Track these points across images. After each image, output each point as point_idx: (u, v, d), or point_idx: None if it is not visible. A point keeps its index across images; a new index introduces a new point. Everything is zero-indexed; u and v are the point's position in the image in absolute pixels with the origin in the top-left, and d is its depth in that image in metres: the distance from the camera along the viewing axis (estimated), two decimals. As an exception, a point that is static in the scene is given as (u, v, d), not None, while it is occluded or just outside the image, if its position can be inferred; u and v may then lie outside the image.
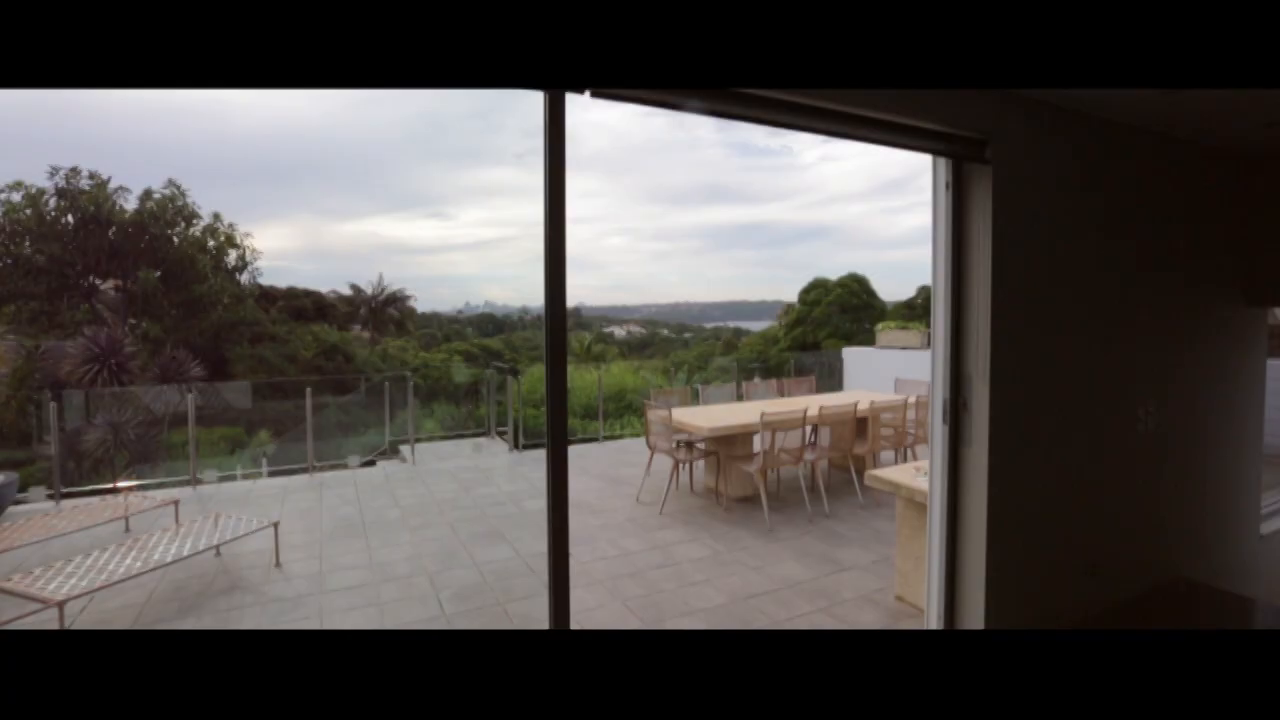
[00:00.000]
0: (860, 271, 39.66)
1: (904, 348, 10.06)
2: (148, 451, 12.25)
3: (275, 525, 4.88)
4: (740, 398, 7.92)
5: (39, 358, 13.89)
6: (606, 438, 9.28)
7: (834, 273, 39.22)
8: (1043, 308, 3.14)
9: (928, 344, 9.79)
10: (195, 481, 7.14)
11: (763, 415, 5.44)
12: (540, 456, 8.18)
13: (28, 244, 15.11)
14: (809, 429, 6.11)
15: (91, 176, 15.14)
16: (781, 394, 8.07)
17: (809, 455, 5.85)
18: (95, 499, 6.12)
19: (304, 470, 7.86)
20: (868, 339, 37.02)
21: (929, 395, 3.28)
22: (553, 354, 2.19)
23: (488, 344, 52.98)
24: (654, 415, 6.13)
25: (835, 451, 6.00)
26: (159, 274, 15.70)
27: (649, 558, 4.77)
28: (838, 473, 6.87)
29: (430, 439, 10.09)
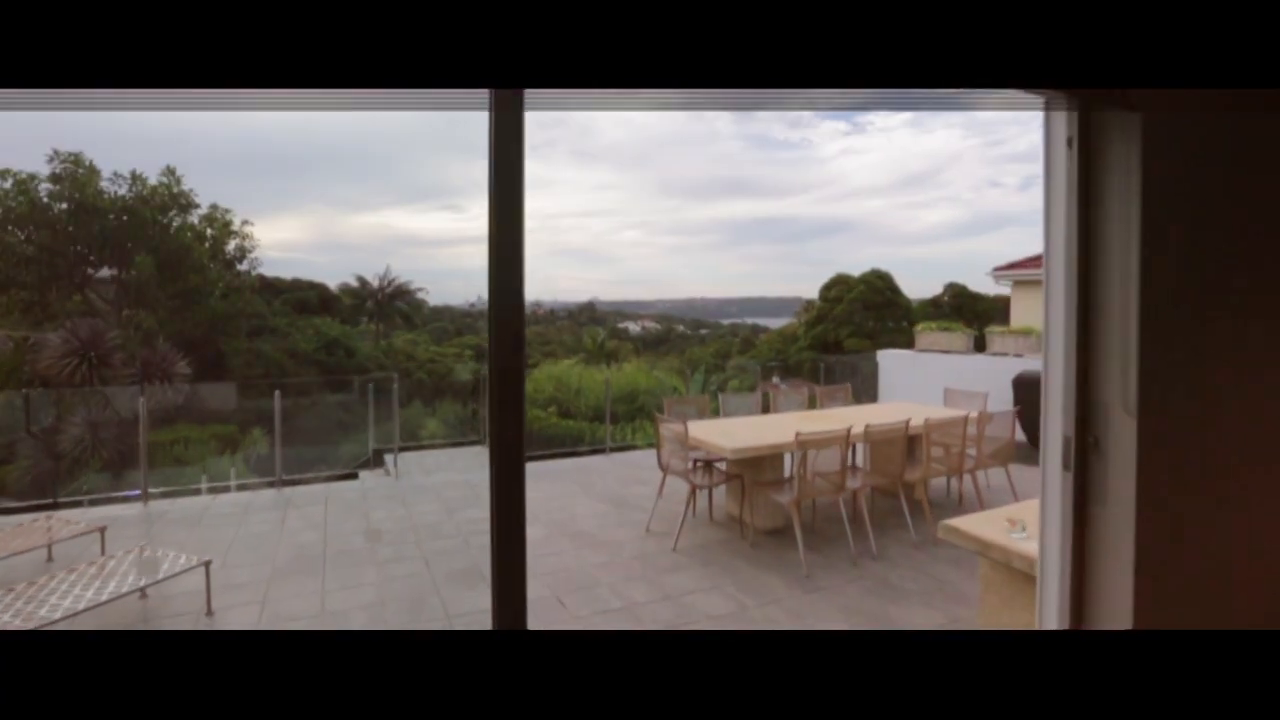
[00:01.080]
0: (882, 268, 38.48)
1: (946, 351, 9.07)
2: (127, 453, 11.54)
3: (207, 565, 4.05)
4: (766, 407, 7.01)
5: (27, 350, 13.25)
6: (615, 449, 8.39)
7: (854, 269, 38.09)
8: (1217, 313, 2.21)
9: (974, 348, 8.72)
10: (146, 497, 6.35)
11: (798, 436, 4.53)
12: (540, 471, 7.32)
13: (22, 234, 14.49)
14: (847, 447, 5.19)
15: (76, 161, 14.47)
16: (813, 405, 7.15)
17: (851, 482, 4.92)
18: (25, 518, 5.34)
19: (286, 483, 7.06)
20: (892, 338, 35.88)
21: (1044, 424, 2.35)
22: (500, 348, 1.52)
23: (501, 338, 52.41)
24: (667, 430, 5.23)
25: (882, 477, 5.07)
26: (153, 261, 15.01)
27: (660, 612, 3.88)
28: (882, 499, 5.95)
29: (419, 447, 9.26)
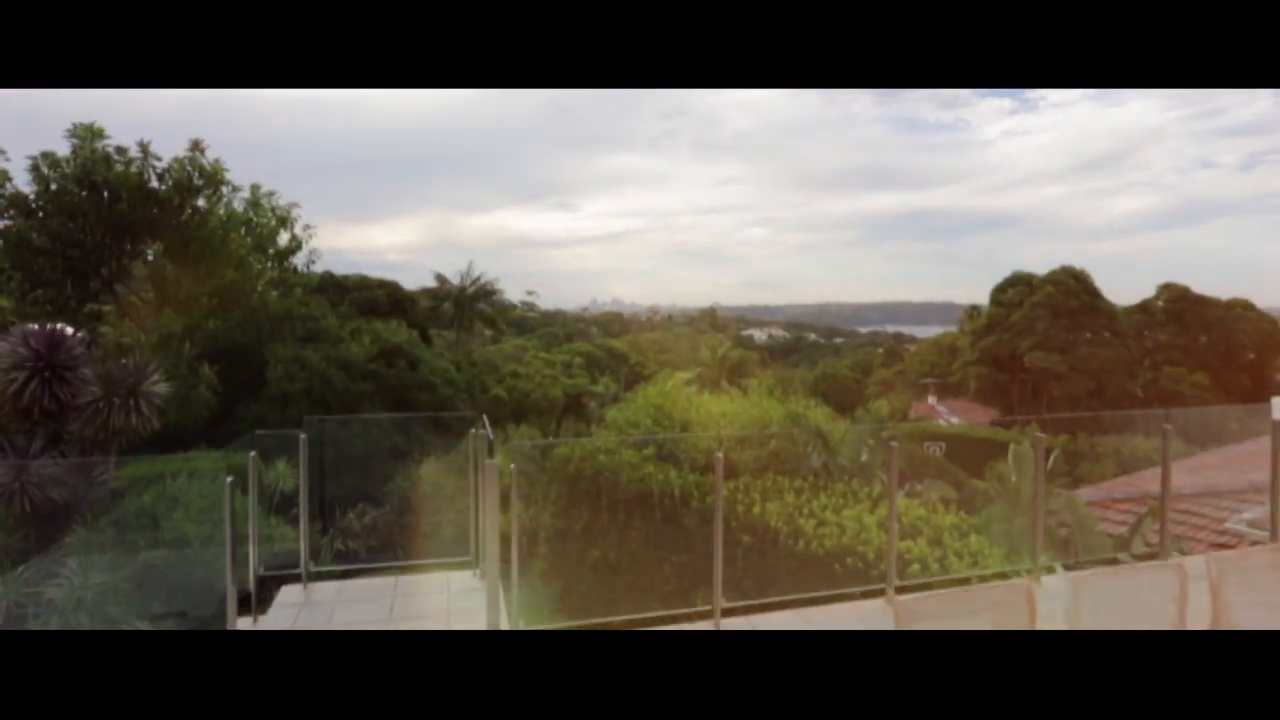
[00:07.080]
0: (1066, 266, 31.17)
1: None
2: (69, 508, 8.76)
3: None
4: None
5: None
6: (731, 608, 3.98)
7: (1025, 267, 31.16)
8: None
9: None
10: None
11: None
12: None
13: (29, 221, 12.43)
14: None
15: (91, 132, 12.19)
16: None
17: None
18: None
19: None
20: (1092, 352, 28.46)
21: None
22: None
23: (613, 344, 49.12)
24: None
25: None
26: (164, 249, 12.51)
27: None
28: None
29: (368, 569, 5.29)
